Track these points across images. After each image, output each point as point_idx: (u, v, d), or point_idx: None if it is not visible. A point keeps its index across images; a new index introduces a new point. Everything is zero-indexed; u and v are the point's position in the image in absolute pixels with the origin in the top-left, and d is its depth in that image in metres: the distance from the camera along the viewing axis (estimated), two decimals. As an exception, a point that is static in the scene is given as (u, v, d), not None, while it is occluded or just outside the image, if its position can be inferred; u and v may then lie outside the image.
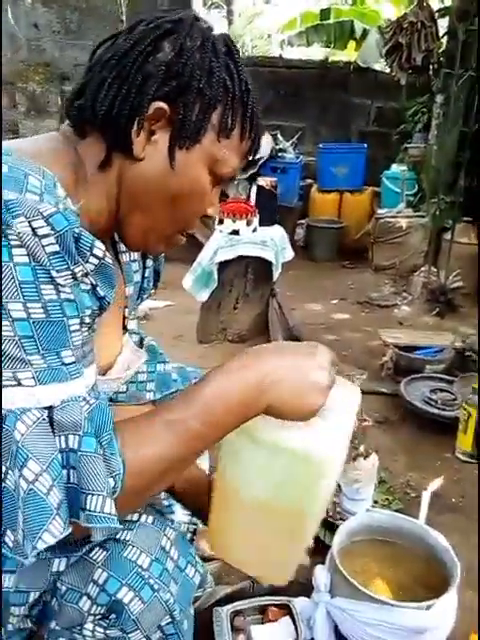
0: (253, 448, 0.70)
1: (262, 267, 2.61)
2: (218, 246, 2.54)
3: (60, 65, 5.05)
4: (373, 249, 4.08)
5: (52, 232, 0.54)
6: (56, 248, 0.54)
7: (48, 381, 0.56)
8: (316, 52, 7.17)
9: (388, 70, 5.03)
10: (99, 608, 0.68)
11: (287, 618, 1.13)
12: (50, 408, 0.56)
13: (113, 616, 0.68)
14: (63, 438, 0.56)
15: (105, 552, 0.69)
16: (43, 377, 0.55)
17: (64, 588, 0.69)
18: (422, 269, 3.46)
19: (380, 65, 5.69)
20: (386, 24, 5.14)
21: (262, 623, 1.14)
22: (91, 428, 0.57)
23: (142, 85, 0.65)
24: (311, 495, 0.71)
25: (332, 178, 4.62)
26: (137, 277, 0.90)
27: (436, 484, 1.30)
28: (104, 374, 0.85)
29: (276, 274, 2.61)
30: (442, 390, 2.01)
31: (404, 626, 0.96)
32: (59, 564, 0.69)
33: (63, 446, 0.56)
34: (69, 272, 0.56)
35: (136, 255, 0.89)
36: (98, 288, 0.60)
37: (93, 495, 0.55)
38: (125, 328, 0.92)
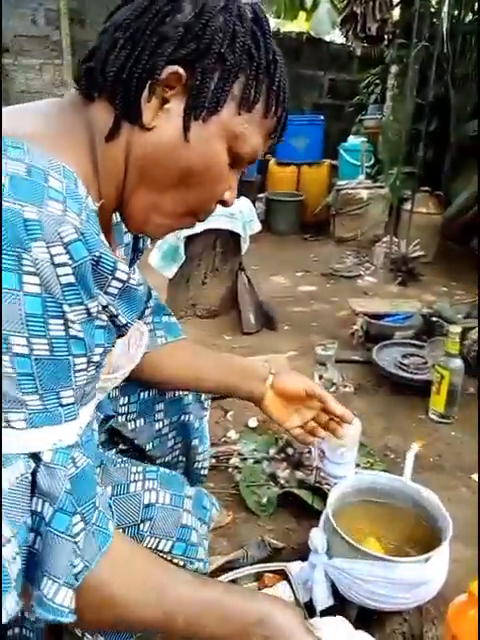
0: None
1: (230, 240, 2.58)
2: (184, 220, 2.48)
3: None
4: (334, 221, 4.10)
5: (70, 262, 0.50)
6: (71, 279, 0.50)
7: (40, 424, 0.52)
8: (266, 23, 7.07)
9: (340, 41, 5.01)
10: None
11: (284, 583, 1.14)
12: (37, 459, 0.53)
13: None
14: (40, 502, 0.52)
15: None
16: (35, 420, 0.52)
17: None
18: (384, 240, 3.52)
19: (331, 36, 5.66)
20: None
21: (259, 590, 1.15)
22: (69, 502, 0.53)
23: (157, 47, 0.59)
24: None
25: (290, 151, 4.59)
26: (128, 238, 0.84)
27: (416, 448, 1.33)
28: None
29: (244, 247, 2.59)
30: (413, 355, 2.06)
31: (403, 580, 0.99)
32: None
33: (38, 510, 0.52)
34: (82, 307, 0.52)
35: None
36: (120, 316, 0.57)
37: (50, 579, 0.51)
38: None
